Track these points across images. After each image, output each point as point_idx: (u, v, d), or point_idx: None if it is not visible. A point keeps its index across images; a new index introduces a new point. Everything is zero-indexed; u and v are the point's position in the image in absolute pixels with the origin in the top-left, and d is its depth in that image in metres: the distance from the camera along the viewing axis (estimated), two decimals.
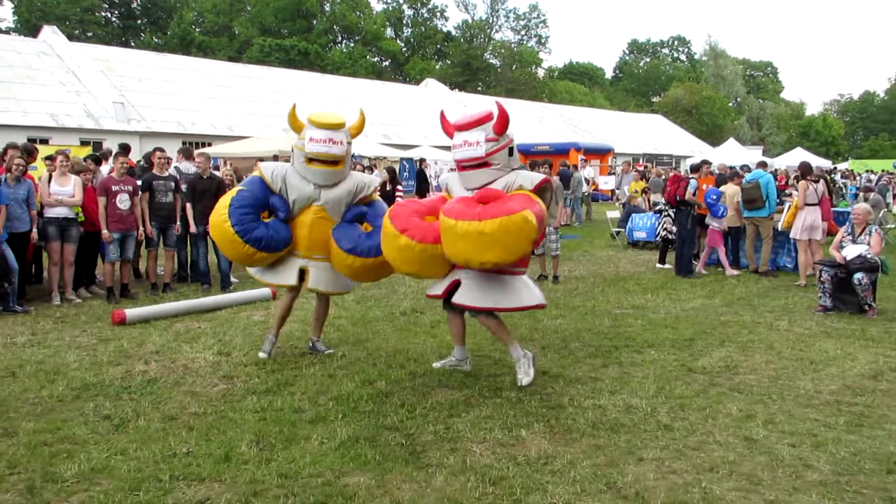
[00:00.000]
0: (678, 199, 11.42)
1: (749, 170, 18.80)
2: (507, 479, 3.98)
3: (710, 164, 12.45)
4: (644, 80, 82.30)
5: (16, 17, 52.98)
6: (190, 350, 6.62)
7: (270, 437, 4.55)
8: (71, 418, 4.88)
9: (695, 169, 11.89)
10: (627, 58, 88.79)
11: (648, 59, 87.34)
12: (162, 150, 10.14)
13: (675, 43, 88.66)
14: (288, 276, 6.21)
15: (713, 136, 59.40)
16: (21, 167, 8.47)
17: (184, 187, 9.77)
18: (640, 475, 4.05)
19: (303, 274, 6.19)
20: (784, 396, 5.49)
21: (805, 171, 10.97)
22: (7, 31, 46.56)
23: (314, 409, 5.08)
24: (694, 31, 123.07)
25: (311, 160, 6.07)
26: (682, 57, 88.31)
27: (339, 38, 63.98)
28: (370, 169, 19.09)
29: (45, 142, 22.51)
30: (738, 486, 3.95)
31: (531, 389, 5.55)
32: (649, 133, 52.93)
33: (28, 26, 47.08)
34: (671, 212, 11.93)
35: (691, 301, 9.35)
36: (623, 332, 7.50)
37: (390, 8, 67.58)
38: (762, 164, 13.82)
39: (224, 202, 6.05)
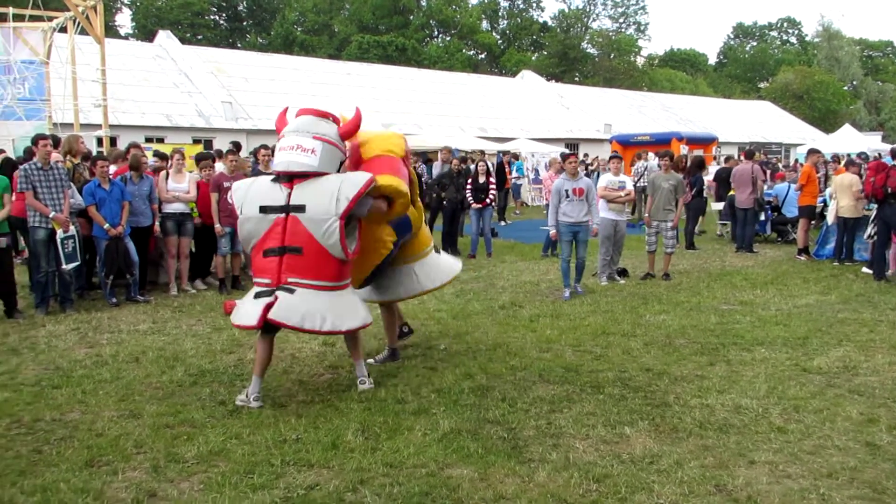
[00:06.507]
0: (890, 190, 9.90)
1: (867, 158, 17.73)
2: (611, 477, 3.92)
3: None
4: (750, 65, 78.69)
5: (133, 24, 56.27)
6: (297, 340, 6.85)
7: (375, 426, 4.66)
8: (189, 402, 5.16)
9: None
10: (732, 42, 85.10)
11: (755, 43, 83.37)
12: (266, 146, 10.49)
13: (785, 25, 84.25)
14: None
15: (826, 123, 56.17)
16: (146, 164, 8.99)
17: None
18: (751, 478, 3.91)
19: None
20: None
21: None
22: (126, 37, 49.40)
23: (417, 400, 5.17)
24: (805, 12, 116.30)
25: None
26: (793, 39, 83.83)
27: (436, 33, 64.42)
28: (465, 161, 19.10)
29: (160, 140, 23.74)
30: (860, 494, 3.75)
31: (635, 386, 5.45)
32: (756, 120, 50.60)
33: (145, 32, 49.78)
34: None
35: (804, 297, 8.90)
36: (730, 329, 7.23)
37: (486, 1, 67.45)
38: None
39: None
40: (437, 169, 14.17)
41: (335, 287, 5.20)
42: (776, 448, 4.30)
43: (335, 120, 5.56)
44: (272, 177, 5.35)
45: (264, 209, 5.12)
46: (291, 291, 5.03)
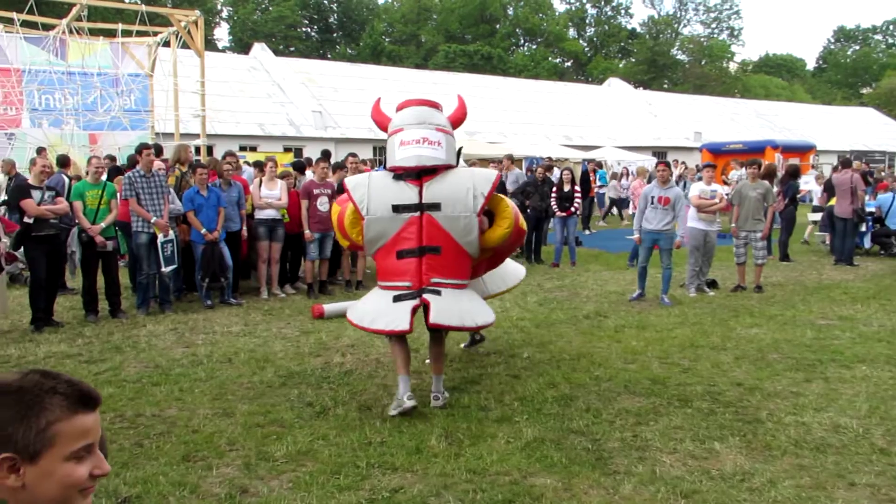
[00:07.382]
0: None
1: None
2: (699, 493, 3.81)
3: None
4: (852, 70, 75.11)
5: (230, 37, 58.76)
6: (382, 345, 6.95)
7: (458, 432, 4.68)
8: (279, 403, 5.32)
9: None
10: (832, 46, 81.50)
11: (857, 47, 79.53)
12: (355, 154, 10.76)
13: (891, 27, 79.99)
14: None
15: None
16: (230, 170, 9.36)
17: None
18: (851, 501, 3.72)
19: None
20: None
21: None
22: (223, 50, 51.59)
23: (500, 408, 5.16)
24: None
25: None
26: None
27: (522, 41, 64.40)
28: (550, 170, 18.93)
29: (253, 149, 24.66)
30: None
31: (725, 401, 5.28)
32: (858, 128, 48.22)
33: (241, 45, 51.92)
34: None
35: None
36: (828, 345, 6.90)
37: (573, 8, 66.95)
38: None
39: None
40: (508, 178, 14.04)
41: (467, 285, 5.22)
42: (878, 470, 4.08)
43: (441, 108, 5.42)
44: (389, 174, 5.12)
45: (397, 208, 4.95)
46: (438, 293, 4.89)
